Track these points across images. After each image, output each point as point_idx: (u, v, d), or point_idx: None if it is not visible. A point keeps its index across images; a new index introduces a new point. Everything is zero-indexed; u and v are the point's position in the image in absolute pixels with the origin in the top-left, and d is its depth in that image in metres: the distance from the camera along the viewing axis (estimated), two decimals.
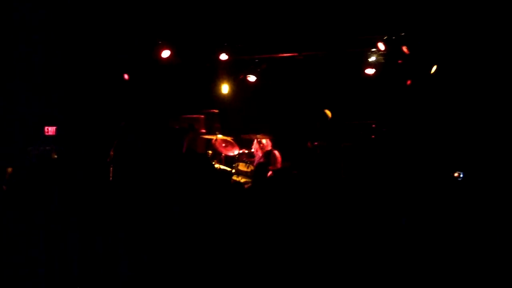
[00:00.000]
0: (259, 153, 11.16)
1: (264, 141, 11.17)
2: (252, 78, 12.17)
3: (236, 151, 11.25)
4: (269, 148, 11.17)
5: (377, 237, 7.06)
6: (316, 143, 10.68)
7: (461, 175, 8.88)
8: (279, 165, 10.76)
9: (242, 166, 10.89)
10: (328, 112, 10.83)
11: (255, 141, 11.25)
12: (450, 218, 7.30)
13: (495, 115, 9.60)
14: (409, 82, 10.80)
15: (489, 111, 9.70)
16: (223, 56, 12.01)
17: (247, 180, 10.51)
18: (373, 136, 10.72)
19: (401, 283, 6.30)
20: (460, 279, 6.24)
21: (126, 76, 11.94)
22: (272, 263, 6.50)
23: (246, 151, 11.24)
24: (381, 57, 11.20)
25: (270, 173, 9.85)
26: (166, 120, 12.11)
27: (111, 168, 10.17)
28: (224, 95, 12.38)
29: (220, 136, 11.21)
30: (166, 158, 11.00)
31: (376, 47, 11.07)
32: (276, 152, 11.04)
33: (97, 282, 6.54)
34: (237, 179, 10.65)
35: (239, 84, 12.43)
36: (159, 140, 11.72)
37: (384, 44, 10.95)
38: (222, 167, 11.06)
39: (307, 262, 6.53)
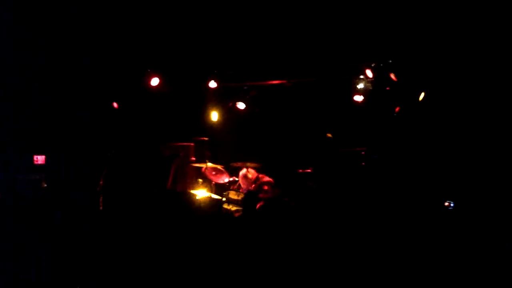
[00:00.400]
0: (245, 186, 11.12)
1: (250, 175, 11.11)
2: (241, 105, 12.19)
3: (226, 179, 11.22)
4: (255, 178, 11.13)
5: (368, 266, 7.07)
6: (307, 170, 10.70)
7: (452, 205, 8.87)
8: (270, 194, 10.74)
9: (232, 194, 10.84)
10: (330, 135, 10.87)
11: (241, 173, 11.20)
12: (441, 247, 7.32)
13: (486, 142, 9.67)
14: (397, 109, 10.87)
15: (479, 138, 9.77)
16: (212, 84, 12.04)
17: (238, 208, 10.48)
18: (363, 163, 10.76)
19: None
20: None
21: (115, 105, 11.94)
22: None
23: (237, 179, 11.22)
24: (369, 84, 11.27)
25: (261, 202, 9.83)
26: (156, 148, 12.10)
27: (101, 198, 10.14)
28: (213, 123, 12.38)
29: (210, 164, 11.18)
30: (155, 186, 11.01)
31: (364, 74, 11.15)
32: (266, 179, 11.03)
33: None
34: (228, 207, 10.62)
35: (228, 112, 12.44)
36: (148, 168, 11.73)
37: (372, 71, 11.05)
38: (213, 195, 11.01)
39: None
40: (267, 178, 11.04)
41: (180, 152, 11.77)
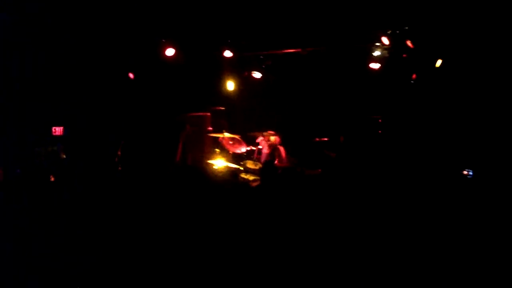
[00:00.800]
0: (265, 150, 11.17)
1: (272, 138, 11.16)
2: (257, 74, 12.19)
3: (243, 149, 11.28)
4: (277, 144, 11.17)
5: (384, 236, 7.06)
6: (324, 139, 10.71)
7: (470, 173, 8.74)
8: (285, 162, 10.79)
9: (250, 164, 10.91)
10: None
11: (261, 137, 11.26)
12: (459, 217, 7.28)
13: (502, 109, 9.59)
14: (414, 76, 10.80)
15: (495, 105, 9.69)
16: (227, 53, 12.03)
17: (256, 177, 10.53)
18: (380, 131, 10.74)
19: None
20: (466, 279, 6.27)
21: (131, 75, 11.96)
22: (279, 261, 6.53)
23: (254, 148, 11.26)
24: (385, 52, 11.21)
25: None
26: (172, 119, 12.12)
27: (119, 168, 10.22)
28: (230, 92, 12.40)
29: (227, 134, 11.22)
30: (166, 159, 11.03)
31: (380, 41, 11.07)
32: (282, 149, 11.07)
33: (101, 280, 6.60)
34: (246, 176, 10.68)
35: (244, 81, 12.44)
36: (162, 139, 11.74)
37: (388, 38, 10.96)
38: (230, 165, 11.07)
39: (312, 261, 6.55)
40: (283, 148, 11.10)
41: (186, 123, 11.74)
